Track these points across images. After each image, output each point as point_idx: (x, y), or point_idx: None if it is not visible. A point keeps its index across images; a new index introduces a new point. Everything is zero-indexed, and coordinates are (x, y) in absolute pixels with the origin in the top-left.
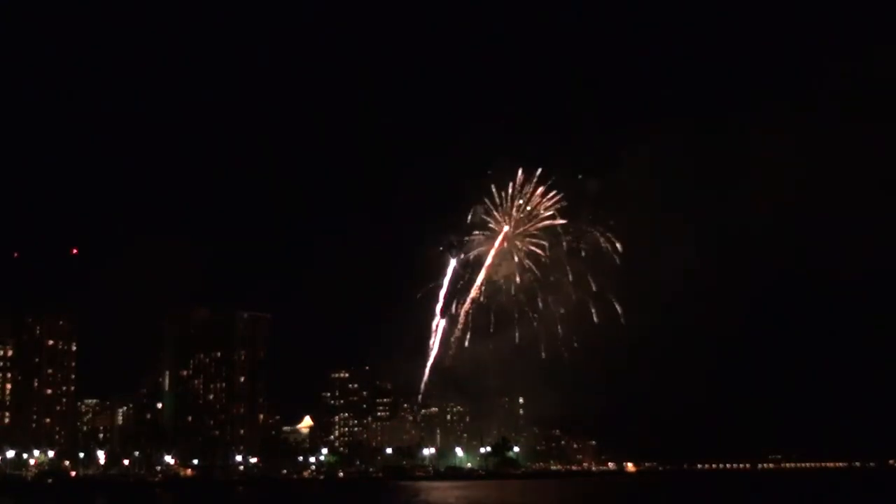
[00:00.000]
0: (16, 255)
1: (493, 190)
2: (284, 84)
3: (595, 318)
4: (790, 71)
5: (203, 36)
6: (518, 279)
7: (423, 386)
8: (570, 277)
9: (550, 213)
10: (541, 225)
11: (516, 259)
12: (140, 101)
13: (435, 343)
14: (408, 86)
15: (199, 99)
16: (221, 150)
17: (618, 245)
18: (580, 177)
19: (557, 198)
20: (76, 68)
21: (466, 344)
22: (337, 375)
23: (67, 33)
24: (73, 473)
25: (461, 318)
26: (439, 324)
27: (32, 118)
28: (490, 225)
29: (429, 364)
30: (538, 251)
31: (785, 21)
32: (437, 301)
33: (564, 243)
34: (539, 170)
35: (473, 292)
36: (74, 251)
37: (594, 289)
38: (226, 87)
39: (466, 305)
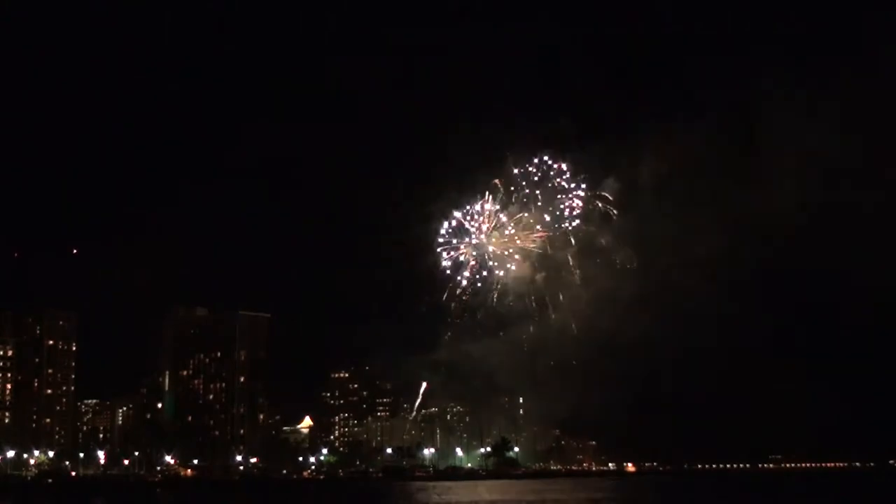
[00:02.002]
0: (16, 255)
1: (502, 189)
2: (285, 84)
3: (601, 320)
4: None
5: (204, 36)
6: (524, 279)
7: (423, 386)
8: (579, 278)
9: (563, 214)
10: (551, 224)
11: (523, 259)
12: (140, 100)
13: (437, 341)
14: (416, 82)
15: (200, 98)
16: (222, 149)
17: (633, 256)
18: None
19: (572, 199)
20: (76, 68)
21: (468, 343)
22: (337, 375)
23: (68, 33)
24: (73, 473)
25: (463, 318)
26: (441, 323)
27: (32, 118)
28: (498, 223)
29: (430, 363)
30: (548, 251)
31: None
32: (439, 300)
33: (574, 243)
34: (556, 167)
35: (477, 291)
36: (74, 251)
37: (601, 290)
38: (226, 86)
39: (469, 304)
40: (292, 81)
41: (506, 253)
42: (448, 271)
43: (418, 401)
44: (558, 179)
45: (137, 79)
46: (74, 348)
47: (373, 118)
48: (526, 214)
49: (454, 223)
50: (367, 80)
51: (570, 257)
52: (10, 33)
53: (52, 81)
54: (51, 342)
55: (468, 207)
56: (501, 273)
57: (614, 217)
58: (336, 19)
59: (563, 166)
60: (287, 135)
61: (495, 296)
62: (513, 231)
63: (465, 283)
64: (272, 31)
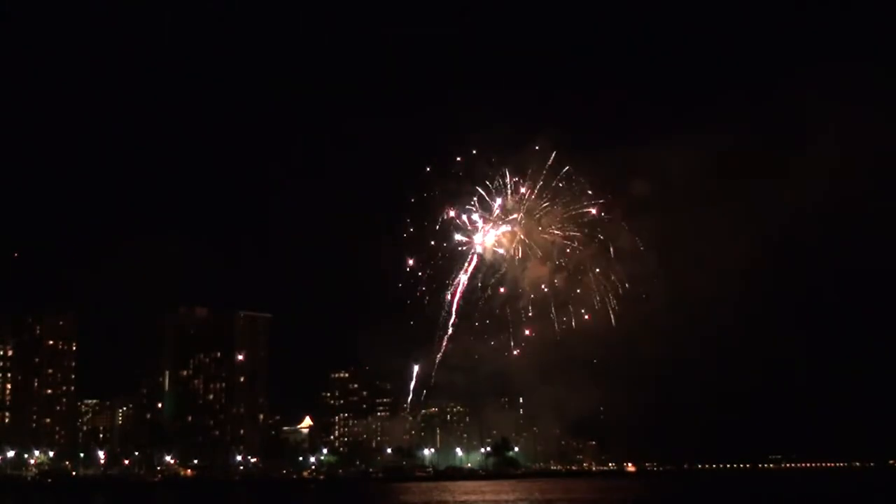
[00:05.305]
0: (16, 255)
1: (511, 181)
2: (285, 84)
3: (605, 322)
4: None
5: (204, 36)
6: (536, 277)
7: (424, 386)
8: (592, 280)
9: (579, 208)
10: (564, 219)
11: (535, 255)
12: (139, 100)
13: (437, 342)
14: (417, 80)
15: (199, 99)
16: (221, 149)
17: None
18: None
19: (592, 199)
20: (76, 68)
21: (469, 343)
22: (337, 375)
23: (67, 33)
24: (74, 473)
25: (463, 316)
26: (442, 323)
27: (32, 118)
28: (508, 218)
29: (428, 364)
30: (557, 247)
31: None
32: (440, 298)
33: (595, 241)
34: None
35: (479, 288)
36: (73, 251)
37: (609, 293)
38: (226, 86)
39: (471, 302)
40: (292, 81)
41: (517, 247)
42: (455, 269)
43: (411, 385)
44: (577, 179)
45: (138, 79)
46: (74, 348)
47: (373, 117)
48: (545, 205)
49: (464, 216)
50: (368, 79)
51: (583, 259)
52: (10, 33)
53: (52, 81)
54: (51, 342)
55: (477, 201)
56: (512, 268)
57: (624, 222)
58: (336, 19)
59: (579, 168)
60: (287, 133)
61: (501, 293)
62: (523, 224)
63: (472, 278)
64: (272, 31)
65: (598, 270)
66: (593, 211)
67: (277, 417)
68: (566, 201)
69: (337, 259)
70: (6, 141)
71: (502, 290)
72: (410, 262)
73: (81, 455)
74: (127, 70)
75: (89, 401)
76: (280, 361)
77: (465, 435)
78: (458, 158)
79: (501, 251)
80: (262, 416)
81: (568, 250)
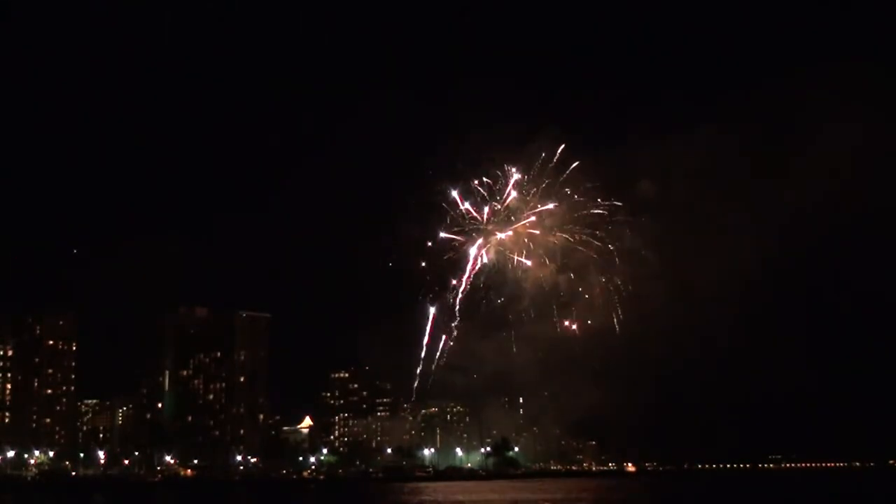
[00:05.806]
0: (15, 255)
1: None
2: (284, 84)
3: (606, 323)
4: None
5: (204, 36)
6: (539, 276)
7: (424, 385)
8: (595, 279)
9: (581, 209)
10: (567, 220)
11: (540, 255)
12: (139, 100)
13: (436, 342)
14: (417, 78)
15: (199, 99)
16: (221, 149)
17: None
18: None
19: (593, 194)
20: (76, 68)
21: (469, 343)
22: (337, 375)
23: (67, 33)
24: (73, 473)
25: (464, 316)
26: (442, 322)
27: (32, 118)
28: (510, 219)
29: (428, 363)
30: (560, 248)
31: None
32: (441, 297)
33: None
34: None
35: (481, 288)
36: (74, 251)
37: (612, 289)
38: (226, 86)
39: (472, 302)
40: (292, 81)
41: (519, 248)
42: (455, 268)
43: (413, 385)
44: (579, 180)
45: (137, 79)
46: (74, 348)
47: (373, 115)
48: (548, 206)
49: (465, 216)
50: (367, 78)
51: (586, 260)
52: (10, 33)
53: (52, 81)
54: (51, 342)
55: (478, 201)
56: (515, 267)
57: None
58: (336, 19)
59: (580, 168)
60: (286, 132)
61: (502, 294)
62: (528, 222)
63: (474, 279)
64: (272, 31)
65: (601, 277)
66: (596, 212)
67: (277, 417)
68: (568, 202)
69: (337, 259)
70: (6, 141)
71: (503, 291)
72: (411, 262)
73: (81, 455)
74: (127, 70)
75: (89, 401)
76: (280, 361)
77: (465, 435)
78: (459, 159)
79: (504, 251)
80: (262, 416)
81: (571, 251)
